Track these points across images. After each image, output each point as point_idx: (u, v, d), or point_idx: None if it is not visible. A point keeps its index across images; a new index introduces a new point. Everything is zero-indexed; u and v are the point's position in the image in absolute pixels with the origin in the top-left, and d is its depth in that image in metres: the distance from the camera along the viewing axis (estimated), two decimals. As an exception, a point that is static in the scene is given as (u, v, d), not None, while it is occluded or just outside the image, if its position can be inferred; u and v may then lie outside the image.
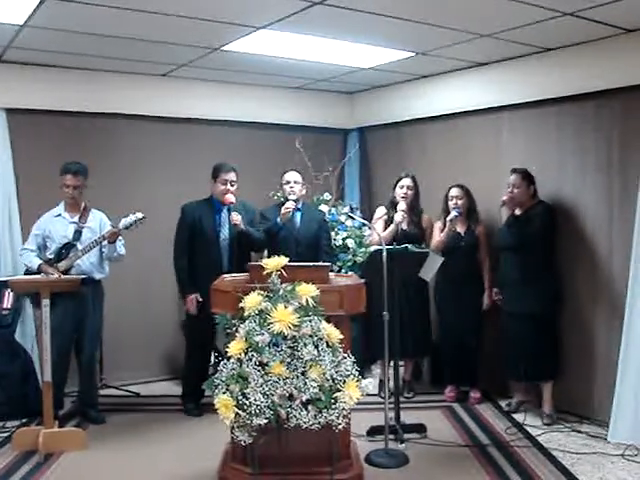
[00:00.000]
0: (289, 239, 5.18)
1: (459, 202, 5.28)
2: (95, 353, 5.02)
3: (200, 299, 4.90)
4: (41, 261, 4.67)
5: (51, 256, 4.72)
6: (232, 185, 4.98)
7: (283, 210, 5.13)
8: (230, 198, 4.93)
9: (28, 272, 4.73)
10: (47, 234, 4.75)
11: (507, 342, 5.04)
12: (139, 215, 4.69)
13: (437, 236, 5.39)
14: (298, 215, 5.30)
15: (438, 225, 5.41)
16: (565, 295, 4.97)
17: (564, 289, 4.97)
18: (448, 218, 5.26)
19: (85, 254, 4.67)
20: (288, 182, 5.30)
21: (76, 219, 4.81)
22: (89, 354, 4.89)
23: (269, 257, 3.74)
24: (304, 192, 5.45)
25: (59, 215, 4.81)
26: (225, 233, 5.00)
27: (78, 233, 4.77)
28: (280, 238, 5.17)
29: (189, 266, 5.01)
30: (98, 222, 4.88)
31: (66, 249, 4.71)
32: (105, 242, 4.70)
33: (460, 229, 5.37)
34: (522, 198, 4.90)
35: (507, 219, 5.05)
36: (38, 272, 4.61)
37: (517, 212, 4.95)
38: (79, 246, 4.71)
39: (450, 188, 5.35)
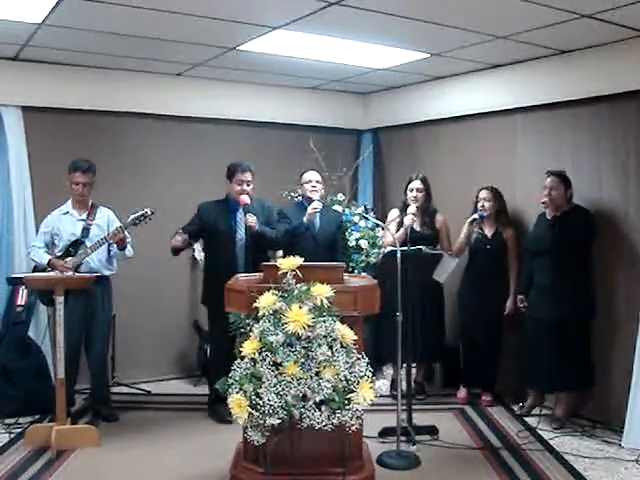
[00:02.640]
0: (308, 239, 5.15)
1: (486, 204, 5.24)
2: (105, 350, 5.02)
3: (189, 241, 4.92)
4: (50, 256, 4.70)
5: (59, 253, 4.74)
6: (248, 185, 4.92)
7: (310, 210, 5.08)
8: (245, 199, 4.86)
9: (36, 269, 4.76)
10: (55, 232, 4.78)
11: (533, 350, 4.87)
12: (148, 211, 4.69)
13: (462, 235, 5.35)
14: (317, 215, 5.26)
15: (467, 223, 5.32)
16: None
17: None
18: (468, 220, 5.24)
19: (93, 252, 4.68)
20: (309, 181, 5.25)
21: (84, 216, 4.83)
22: (99, 351, 4.89)
23: (287, 257, 3.72)
24: (323, 192, 5.44)
25: (67, 213, 4.83)
26: (241, 234, 4.94)
27: (86, 230, 4.79)
28: (299, 238, 5.14)
29: (207, 266, 5.05)
30: (106, 219, 4.90)
31: (74, 246, 4.73)
32: (114, 247, 4.74)
33: (487, 232, 5.32)
34: (559, 201, 4.79)
35: (539, 222, 4.98)
36: (48, 267, 4.64)
37: (549, 216, 4.87)
38: (87, 243, 4.72)
39: (479, 190, 5.30)
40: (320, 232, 5.24)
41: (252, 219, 4.85)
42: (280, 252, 5.33)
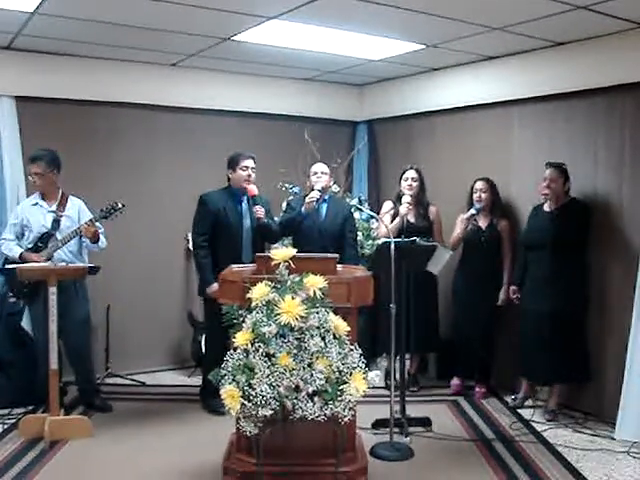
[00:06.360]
0: (313, 231, 5.11)
1: (482, 195, 5.24)
2: (85, 341, 4.93)
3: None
4: (22, 249, 4.65)
5: (30, 245, 4.68)
6: (252, 171, 4.87)
7: (307, 200, 5.06)
8: (254, 190, 4.83)
9: (7, 262, 4.67)
10: (25, 223, 4.71)
11: (529, 342, 4.89)
12: (119, 204, 4.64)
13: (458, 229, 5.34)
14: (324, 207, 5.22)
15: (461, 218, 5.33)
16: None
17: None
18: (465, 216, 5.24)
19: (64, 244, 4.63)
20: (315, 173, 5.22)
21: (54, 207, 4.75)
22: (77, 342, 4.83)
23: (293, 248, 3.72)
24: (331, 184, 5.42)
25: (36, 204, 4.75)
26: (248, 224, 4.89)
27: (57, 222, 4.70)
28: (304, 230, 5.12)
29: (212, 256, 4.84)
30: (77, 210, 4.82)
31: (44, 239, 4.67)
32: (87, 240, 4.69)
33: (482, 223, 5.32)
34: (558, 193, 4.78)
35: (536, 215, 4.97)
36: (20, 260, 4.58)
37: (547, 208, 4.87)
38: (58, 235, 4.66)
39: (475, 181, 5.30)
40: (325, 223, 5.19)
41: (261, 210, 4.84)
42: (288, 241, 5.34)
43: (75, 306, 4.75)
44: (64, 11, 4.28)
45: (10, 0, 4.05)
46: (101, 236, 4.78)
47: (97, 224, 4.69)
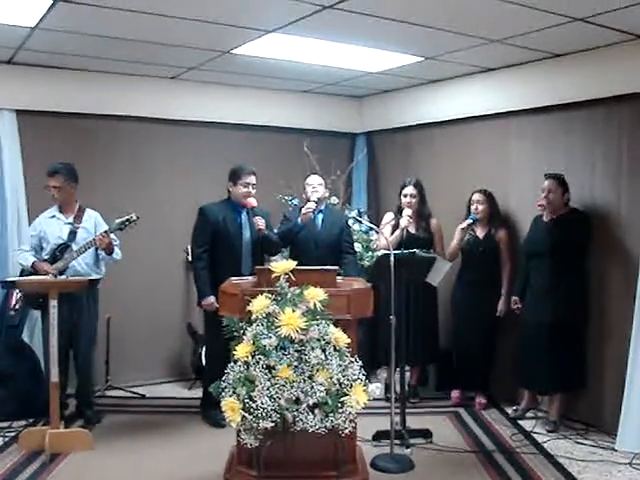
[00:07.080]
0: (309, 241, 5.15)
1: (480, 207, 5.26)
2: (91, 353, 4.97)
3: (217, 305, 4.63)
4: (35, 259, 4.69)
5: (46, 257, 4.72)
6: (253, 188, 4.89)
7: (304, 210, 5.10)
8: (253, 202, 4.85)
9: (23, 272, 4.74)
10: (42, 235, 4.76)
11: (528, 352, 4.87)
12: (133, 216, 4.68)
13: (455, 239, 5.34)
14: (320, 218, 5.26)
15: (459, 228, 5.31)
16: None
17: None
18: (462, 225, 5.25)
19: (79, 256, 4.67)
20: (311, 185, 5.26)
21: (71, 219, 4.81)
22: (84, 354, 4.86)
23: (290, 258, 3.74)
24: (327, 195, 5.44)
25: (53, 216, 4.81)
26: (247, 236, 4.90)
27: (73, 234, 4.76)
28: (300, 240, 5.15)
29: (211, 268, 4.86)
30: (93, 222, 4.87)
31: (61, 250, 4.71)
32: (102, 251, 4.73)
33: (480, 233, 5.34)
34: (557, 204, 4.79)
35: (535, 225, 4.99)
36: (32, 269, 4.63)
37: (546, 218, 4.88)
38: (74, 247, 4.70)
39: (473, 193, 5.32)
40: (321, 234, 5.22)
41: (261, 221, 4.85)
42: (287, 253, 5.34)
43: (87, 318, 4.80)
44: (64, 26, 4.30)
45: (12, 15, 4.08)
46: (116, 248, 4.83)
47: (112, 236, 4.72)
